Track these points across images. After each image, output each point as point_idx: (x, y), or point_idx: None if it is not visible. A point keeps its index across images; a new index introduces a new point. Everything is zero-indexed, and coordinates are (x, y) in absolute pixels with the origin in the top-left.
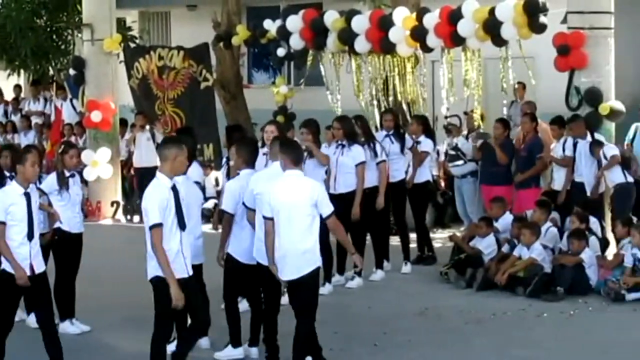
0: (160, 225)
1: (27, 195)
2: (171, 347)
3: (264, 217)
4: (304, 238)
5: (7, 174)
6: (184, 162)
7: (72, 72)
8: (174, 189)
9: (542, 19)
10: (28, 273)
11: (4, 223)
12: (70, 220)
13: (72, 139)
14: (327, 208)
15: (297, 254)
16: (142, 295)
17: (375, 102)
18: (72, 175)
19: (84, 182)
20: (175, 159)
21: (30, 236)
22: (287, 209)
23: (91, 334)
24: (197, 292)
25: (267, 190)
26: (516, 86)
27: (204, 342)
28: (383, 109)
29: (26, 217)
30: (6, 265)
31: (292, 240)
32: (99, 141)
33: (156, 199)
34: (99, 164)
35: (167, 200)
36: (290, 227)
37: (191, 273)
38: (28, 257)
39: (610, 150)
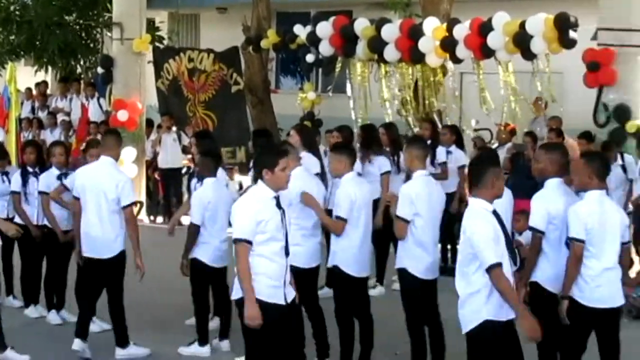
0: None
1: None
2: None
3: (575, 240)
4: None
5: (31, 169)
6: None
7: (100, 70)
8: None
9: (572, 34)
10: None
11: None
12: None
13: (98, 137)
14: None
15: (612, 280)
16: (161, 296)
17: (403, 112)
18: None
19: None
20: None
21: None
22: (601, 231)
23: (111, 333)
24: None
25: (575, 210)
26: (537, 101)
27: None
28: (417, 118)
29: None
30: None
31: (610, 264)
32: (125, 140)
33: None
34: (124, 163)
35: None
36: (605, 249)
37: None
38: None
39: None
